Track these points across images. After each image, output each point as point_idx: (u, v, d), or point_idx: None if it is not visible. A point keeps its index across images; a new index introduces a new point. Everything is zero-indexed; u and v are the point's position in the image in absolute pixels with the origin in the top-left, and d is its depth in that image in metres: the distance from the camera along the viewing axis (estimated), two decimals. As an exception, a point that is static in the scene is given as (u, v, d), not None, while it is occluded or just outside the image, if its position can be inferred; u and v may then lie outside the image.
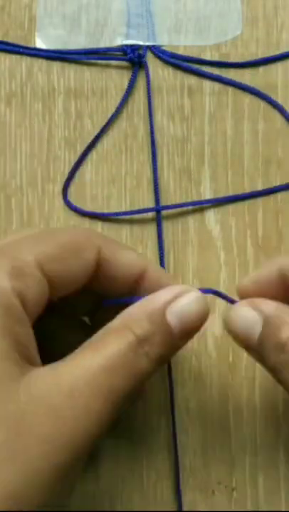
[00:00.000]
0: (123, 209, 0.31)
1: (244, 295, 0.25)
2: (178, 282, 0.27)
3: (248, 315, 0.24)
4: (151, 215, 0.31)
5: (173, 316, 0.23)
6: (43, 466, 0.20)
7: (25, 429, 0.20)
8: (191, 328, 0.23)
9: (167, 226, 0.31)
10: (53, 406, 0.21)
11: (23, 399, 0.21)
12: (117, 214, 0.31)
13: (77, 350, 0.23)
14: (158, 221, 0.31)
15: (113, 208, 0.31)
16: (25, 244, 0.23)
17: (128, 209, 0.31)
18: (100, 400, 0.21)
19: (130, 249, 0.26)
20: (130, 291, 0.25)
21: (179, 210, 0.31)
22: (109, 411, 0.22)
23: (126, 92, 0.32)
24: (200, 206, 0.31)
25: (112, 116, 0.32)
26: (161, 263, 0.31)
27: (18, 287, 0.22)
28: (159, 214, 0.31)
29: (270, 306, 0.24)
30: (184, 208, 0.31)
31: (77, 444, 0.21)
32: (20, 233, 0.25)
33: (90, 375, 0.21)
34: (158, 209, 0.31)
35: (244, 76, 0.32)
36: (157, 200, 0.31)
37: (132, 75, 0.32)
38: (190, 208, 0.31)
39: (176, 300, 0.23)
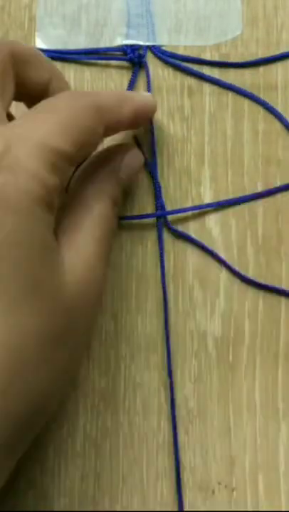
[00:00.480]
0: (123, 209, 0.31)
1: None
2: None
3: None
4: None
5: (123, 173, 0.29)
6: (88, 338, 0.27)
7: (74, 306, 0.23)
8: (133, 179, 0.30)
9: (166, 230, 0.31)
10: (85, 279, 0.24)
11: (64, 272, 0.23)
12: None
13: (68, 222, 0.26)
14: (159, 228, 0.31)
15: (113, 208, 0.31)
16: (51, 135, 0.24)
17: (128, 209, 0.31)
18: (102, 265, 0.26)
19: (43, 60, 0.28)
20: (41, 93, 0.27)
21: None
22: (106, 273, 0.26)
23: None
24: (199, 206, 0.31)
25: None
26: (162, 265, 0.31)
27: (56, 183, 0.23)
28: (159, 220, 0.31)
29: None
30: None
31: (98, 310, 0.30)
32: None
33: (95, 246, 0.26)
34: (162, 214, 0.31)
35: (244, 76, 0.32)
36: (161, 204, 0.31)
37: (132, 75, 0.32)
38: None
39: (124, 157, 0.29)
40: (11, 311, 0.21)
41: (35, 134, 0.23)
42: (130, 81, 0.31)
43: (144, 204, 0.31)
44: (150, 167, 0.31)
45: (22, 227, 0.22)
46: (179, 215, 0.31)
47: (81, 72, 0.32)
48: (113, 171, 0.28)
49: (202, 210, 0.31)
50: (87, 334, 0.27)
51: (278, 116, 0.31)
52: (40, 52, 0.28)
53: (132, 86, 0.32)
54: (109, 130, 0.26)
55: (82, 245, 0.25)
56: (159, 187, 0.31)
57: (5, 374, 0.21)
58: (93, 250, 0.25)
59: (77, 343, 0.24)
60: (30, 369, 0.21)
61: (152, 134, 0.31)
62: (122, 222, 0.31)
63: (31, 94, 0.27)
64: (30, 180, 0.22)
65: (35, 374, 0.22)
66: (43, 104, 0.25)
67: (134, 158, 0.29)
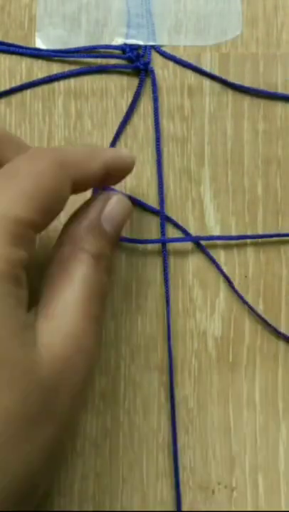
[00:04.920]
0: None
1: None
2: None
3: None
4: (150, 217, 0.31)
5: (107, 223, 0.26)
6: (73, 416, 0.23)
7: (51, 384, 0.22)
8: (120, 227, 0.27)
9: (167, 226, 0.31)
10: (65, 355, 0.22)
11: (42, 352, 0.22)
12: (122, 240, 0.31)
13: (46, 291, 0.24)
14: (164, 253, 0.31)
15: (113, 208, 0.31)
16: (12, 204, 0.22)
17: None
18: (91, 333, 0.24)
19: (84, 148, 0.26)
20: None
21: (179, 210, 0.31)
22: (98, 340, 0.24)
23: (136, 93, 0.31)
24: (200, 207, 0.31)
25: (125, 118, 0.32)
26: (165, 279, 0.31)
27: (21, 256, 0.22)
28: (164, 246, 0.31)
29: None
30: (184, 208, 0.31)
31: (87, 385, 0.24)
32: None
33: (77, 313, 0.23)
34: (163, 241, 0.31)
35: (244, 76, 0.32)
36: (163, 231, 0.31)
37: (139, 81, 0.31)
38: (190, 207, 0.31)
39: (105, 208, 0.26)
40: None
41: None
42: (138, 85, 0.31)
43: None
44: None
45: None
46: (180, 215, 0.31)
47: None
48: (93, 225, 0.26)
49: (202, 211, 0.31)
50: (73, 413, 0.24)
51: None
52: None
53: (140, 88, 0.31)
54: (78, 186, 0.24)
55: (61, 317, 0.23)
56: (162, 187, 0.31)
57: None
58: (74, 321, 0.23)
59: (60, 421, 0.22)
60: (9, 449, 0.20)
61: (157, 132, 0.31)
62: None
63: None
64: None
65: (15, 454, 0.21)
66: (2, 171, 0.23)
67: (118, 204, 0.27)
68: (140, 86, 0.31)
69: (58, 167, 0.23)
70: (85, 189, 0.26)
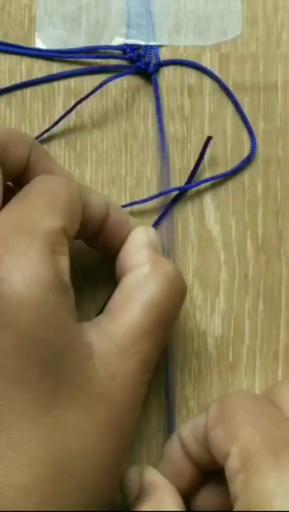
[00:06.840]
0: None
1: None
2: (134, 224, 0.28)
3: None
4: (150, 206, 0.31)
5: None
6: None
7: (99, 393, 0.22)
8: None
9: (167, 226, 0.31)
10: (113, 364, 0.23)
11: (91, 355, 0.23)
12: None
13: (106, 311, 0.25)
14: (166, 207, 0.31)
15: (113, 207, 0.31)
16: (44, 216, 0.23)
17: (128, 209, 0.31)
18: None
19: (97, 193, 0.27)
20: (97, 231, 0.27)
21: (178, 210, 0.31)
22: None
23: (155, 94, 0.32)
24: (200, 207, 0.31)
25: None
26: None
27: (64, 263, 0.23)
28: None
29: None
30: (184, 208, 0.31)
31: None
32: None
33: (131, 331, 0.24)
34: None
35: (244, 76, 0.32)
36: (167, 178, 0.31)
37: (154, 81, 0.31)
38: (190, 207, 0.31)
39: None
40: (45, 413, 0.21)
41: (29, 220, 0.22)
42: (154, 87, 0.31)
43: (144, 205, 0.31)
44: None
45: (37, 322, 0.20)
46: (179, 215, 0.31)
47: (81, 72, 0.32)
48: None
49: (202, 211, 0.31)
50: (131, 426, 0.24)
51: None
52: (18, 131, 0.29)
53: (156, 88, 0.31)
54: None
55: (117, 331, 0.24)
56: (167, 163, 0.31)
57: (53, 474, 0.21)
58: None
59: (122, 435, 0.23)
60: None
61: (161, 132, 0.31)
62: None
63: (12, 173, 0.26)
64: (34, 267, 0.21)
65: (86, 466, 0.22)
66: (33, 186, 0.24)
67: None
68: (155, 81, 0.31)
69: (77, 192, 0.25)
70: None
